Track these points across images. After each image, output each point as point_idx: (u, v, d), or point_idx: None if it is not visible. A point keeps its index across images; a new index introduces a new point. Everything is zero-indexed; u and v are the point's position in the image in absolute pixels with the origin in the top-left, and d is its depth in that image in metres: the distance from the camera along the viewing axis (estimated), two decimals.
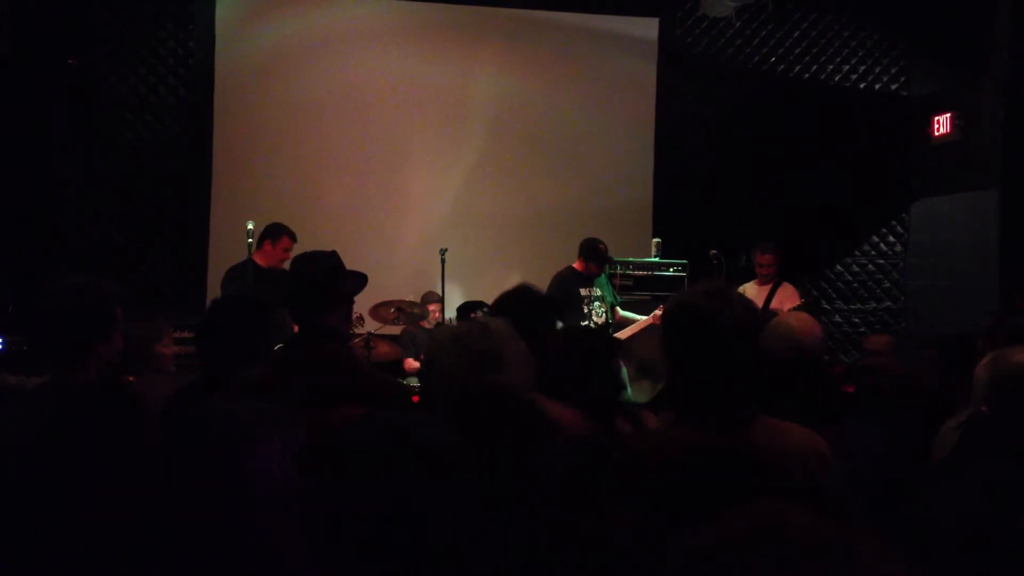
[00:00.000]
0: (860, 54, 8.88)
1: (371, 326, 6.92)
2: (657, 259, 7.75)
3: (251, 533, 1.40)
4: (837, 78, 8.89)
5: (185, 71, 8.19)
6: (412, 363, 7.04)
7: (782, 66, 8.85)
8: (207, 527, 1.39)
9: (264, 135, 8.18)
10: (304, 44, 8.23)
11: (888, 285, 8.91)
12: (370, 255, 7.27)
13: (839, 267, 8.91)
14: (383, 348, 6.95)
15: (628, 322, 7.10)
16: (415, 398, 3.59)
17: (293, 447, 1.50)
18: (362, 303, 6.59)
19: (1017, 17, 7.22)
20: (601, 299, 6.99)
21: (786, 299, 6.99)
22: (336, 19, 8.31)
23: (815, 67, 8.87)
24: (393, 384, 3.34)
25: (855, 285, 8.90)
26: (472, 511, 1.38)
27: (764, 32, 8.82)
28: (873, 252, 8.91)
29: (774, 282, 7.15)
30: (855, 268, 8.92)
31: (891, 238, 8.89)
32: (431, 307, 7.41)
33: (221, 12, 8.14)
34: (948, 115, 8.11)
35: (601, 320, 6.93)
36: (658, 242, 7.88)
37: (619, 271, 7.57)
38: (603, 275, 7.10)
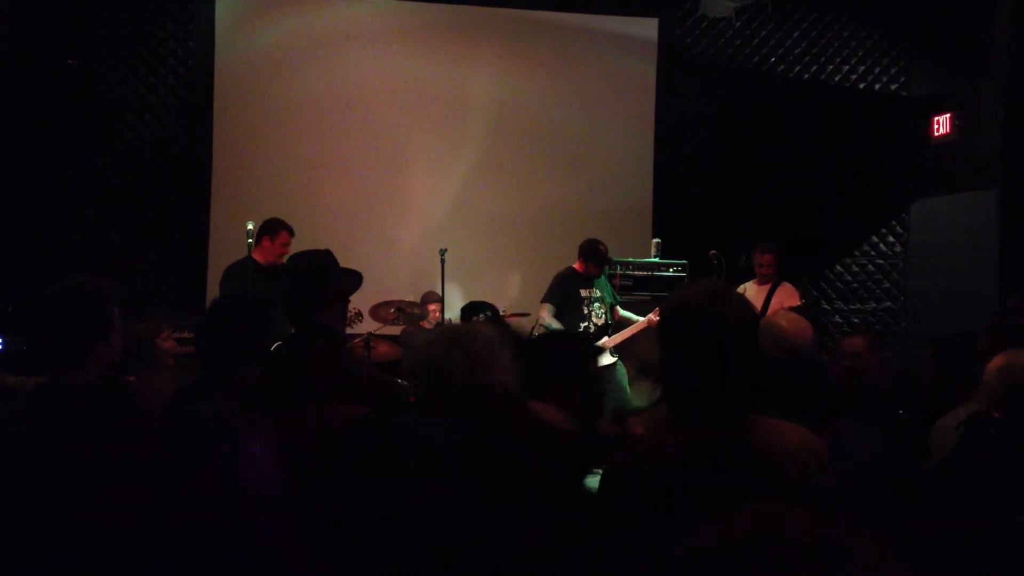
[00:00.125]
0: (860, 54, 8.88)
1: (371, 326, 6.92)
2: (657, 259, 7.75)
3: (243, 534, 1.40)
4: (837, 78, 8.89)
5: (185, 71, 8.19)
6: None
7: (782, 66, 8.85)
8: (200, 528, 1.39)
9: (264, 135, 8.18)
10: (304, 44, 8.23)
11: (888, 285, 8.91)
12: (370, 255, 7.29)
13: (839, 267, 8.91)
14: (383, 348, 6.95)
15: (628, 322, 7.10)
16: (412, 398, 3.59)
17: (282, 446, 1.50)
18: (362, 303, 6.63)
19: (1017, 17, 7.22)
20: (601, 300, 6.99)
21: (786, 299, 6.97)
22: (336, 19, 8.31)
23: (815, 67, 8.87)
24: (390, 383, 3.34)
25: (855, 285, 8.90)
26: (472, 511, 1.38)
27: (764, 32, 8.82)
28: (873, 252, 8.91)
29: (774, 282, 7.14)
30: (855, 268, 8.92)
31: (891, 238, 8.89)
32: (431, 307, 7.41)
33: (221, 12, 8.14)
34: (948, 115, 8.11)
35: (601, 321, 6.93)
36: (658, 242, 7.87)
37: (619, 271, 7.56)
38: (603, 276, 7.10)
